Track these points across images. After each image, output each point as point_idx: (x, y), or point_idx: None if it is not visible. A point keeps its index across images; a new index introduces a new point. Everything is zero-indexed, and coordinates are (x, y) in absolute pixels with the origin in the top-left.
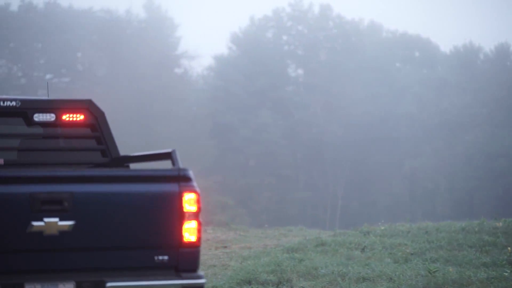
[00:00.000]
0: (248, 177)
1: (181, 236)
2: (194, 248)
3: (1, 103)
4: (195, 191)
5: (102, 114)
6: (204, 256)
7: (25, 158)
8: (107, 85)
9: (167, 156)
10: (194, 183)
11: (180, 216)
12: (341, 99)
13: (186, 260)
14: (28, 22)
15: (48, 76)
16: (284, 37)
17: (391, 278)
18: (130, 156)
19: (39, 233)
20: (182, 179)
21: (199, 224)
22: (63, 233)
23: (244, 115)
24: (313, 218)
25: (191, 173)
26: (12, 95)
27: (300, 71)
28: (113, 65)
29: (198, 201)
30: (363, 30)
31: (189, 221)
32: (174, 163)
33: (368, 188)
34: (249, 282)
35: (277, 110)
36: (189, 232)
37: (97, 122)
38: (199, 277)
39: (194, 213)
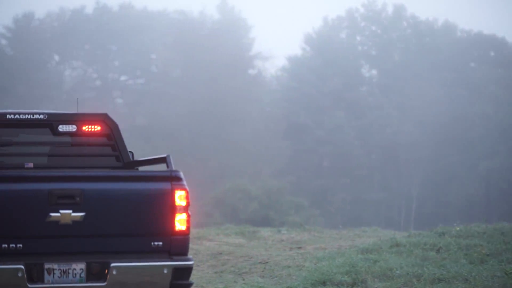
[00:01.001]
0: (322, 178)
1: (173, 225)
2: (184, 235)
3: (31, 116)
4: (185, 189)
5: (116, 125)
6: (279, 257)
7: (53, 162)
8: (181, 86)
9: (164, 160)
10: (184, 182)
11: (172, 209)
12: (415, 100)
13: (177, 246)
14: (103, 24)
15: (122, 78)
16: (358, 38)
17: (466, 279)
18: (139, 160)
19: (56, 222)
20: (174, 179)
21: (188, 216)
22: (75, 223)
23: (317, 116)
24: (387, 219)
25: (181, 174)
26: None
27: (374, 72)
28: (187, 67)
29: (187, 197)
30: (437, 30)
31: (180, 213)
32: (168, 165)
33: (443, 189)
34: (324, 283)
35: (350, 111)
36: (180, 222)
37: (112, 133)
38: (188, 260)
39: (184, 206)
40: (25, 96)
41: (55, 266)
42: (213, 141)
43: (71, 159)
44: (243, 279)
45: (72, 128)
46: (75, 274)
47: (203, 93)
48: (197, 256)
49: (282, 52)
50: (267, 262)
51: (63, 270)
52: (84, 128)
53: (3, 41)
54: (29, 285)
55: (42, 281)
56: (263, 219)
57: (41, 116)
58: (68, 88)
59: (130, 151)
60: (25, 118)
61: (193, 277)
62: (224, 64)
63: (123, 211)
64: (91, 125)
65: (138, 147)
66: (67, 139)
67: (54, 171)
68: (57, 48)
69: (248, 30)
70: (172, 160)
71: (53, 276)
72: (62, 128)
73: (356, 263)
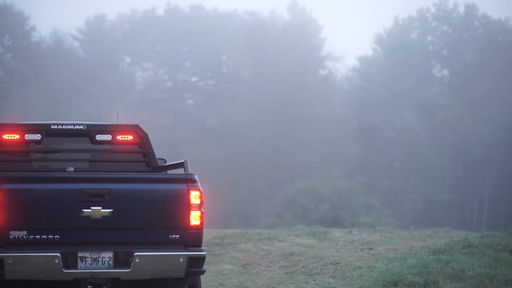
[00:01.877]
0: (393, 179)
1: (188, 221)
2: (198, 230)
3: (72, 127)
4: (199, 190)
5: (146, 135)
6: (350, 257)
7: (92, 167)
8: (252, 87)
9: (181, 165)
10: (198, 184)
11: (188, 207)
12: (486, 100)
13: (192, 238)
14: (173, 25)
15: (193, 79)
16: (429, 38)
17: None
18: (164, 165)
19: (88, 217)
20: (189, 181)
21: (202, 213)
22: (104, 217)
23: (388, 116)
24: (459, 219)
25: (196, 177)
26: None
27: (445, 72)
28: (257, 68)
29: (201, 197)
30: (509, 29)
31: (194, 211)
32: (185, 169)
33: None
34: (395, 284)
35: (421, 111)
36: (195, 218)
37: (143, 141)
38: (201, 250)
39: (198, 205)
40: (98, 98)
41: (87, 254)
42: (284, 142)
43: (107, 165)
44: (314, 280)
45: (107, 137)
46: (104, 261)
47: (273, 94)
48: (268, 257)
49: (353, 52)
50: (338, 263)
51: (94, 258)
52: (118, 137)
53: (76, 43)
54: (65, 271)
55: (76, 267)
56: (334, 220)
57: (81, 127)
58: (140, 90)
59: (162, 158)
60: (67, 128)
61: (264, 278)
62: (294, 65)
63: (145, 208)
64: (124, 134)
65: (209, 148)
66: (103, 147)
67: (87, 173)
68: (128, 50)
69: (318, 31)
70: (188, 165)
71: (85, 263)
72: (99, 137)
73: (427, 264)
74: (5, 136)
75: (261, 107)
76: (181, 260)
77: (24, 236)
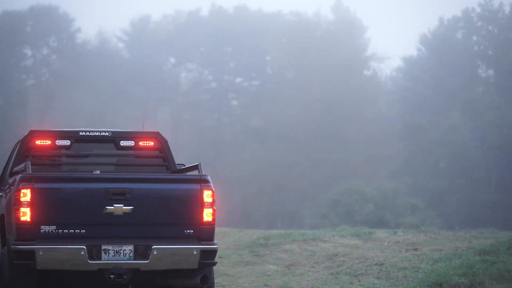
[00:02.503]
0: (438, 179)
1: (202, 217)
2: (210, 225)
3: (99, 133)
4: (211, 189)
5: (166, 141)
6: (395, 258)
7: (118, 170)
8: (296, 88)
9: (196, 167)
10: (211, 184)
11: (201, 205)
12: None
13: (205, 233)
14: (218, 26)
15: (238, 80)
16: (474, 38)
17: None
18: (182, 168)
19: (110, 213)
20: (202, 181)
21: (214, 210)
22: (125, 214)
23: (433, 117)
24: (505, 220)
25: (209, 178)
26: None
27: (490, 72)
28: (302, 68)
29: (213, 196)
30: None
31: (207, 208)
32: (199, 171)
33: None
34: (440, 285)
35: (466, 111)
36: (207, 215)
37: (163, 147)
38: (213, 244)
39: (210, 203)
40: (143, 99)
41: (110, 247)
42: (328, 142)
43: (130, 168)
44: (359, 281)
45: (131, 143)
46: (125, 253)
47: (318, 94)
48: (312, 258)
49: (397, 52)
50: (382, 264)
51: (116, 250)
52: (140, 143)
53: (120, 45)
54: (90, 262)
55: (100, 259)
56: (379, 221)
57: (106, 134)
58: (184, 90)
59: (182, 164)
60: (93, 135)
61: (309, 279)
62: (339, 65)
63: (162, 205)
64: (146, 141)
65: (253, 149)
66: (127, 152)
67: (110, 174)
68: (173, 51)
69: (363, 31)
70: (202, 167)
71: (108, 255)
72: (123, 143)
73: (473, 265)
74: (37, 142)
75: (305, 107)
76: (194, 252)
77: (53, 230)
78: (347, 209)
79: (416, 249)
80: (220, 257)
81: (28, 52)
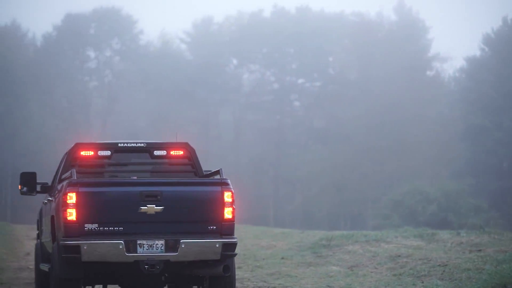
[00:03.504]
0: (502, 180)
1: (223, 215)
2: (230, 222)
3: (135, 144)
4: (231, 191)
5: (193, 150)
6: (458, 259)
7: (152, 176)
8: (358, 88)
9: (218, 172)
10: (230, 186)
11: (222, 204)
12: None
13: (226, 229)
14: (280, 27)
15: (300, 81)
16: None
17: None
18: (208, 173)
19: (144, 213)
20: (223, 184)
21: (233, 209)
22: (157, 213)
23: (496, 117)
24: None
25: (228, 181)
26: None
27: None
28: (364, 69)
29: (232, 197)
30: None
31: (227, 207)
32: (220, 175)
33: None
34: (504, 286)
35: None
36: (228, 213)
37: (191, 155)
38: (233, 238)
39: (230, 202)
40: (205, 100)
41: (144, 242)
42: (391, 143)
43: (163, 175)
44: (422, 282)
45: (163, 152)
46: (157, 247)
47: (380, 95)
48: (375, 259)
49: (460, 53)
50: (446, 265)
51: (149, 244)
52: (171, 152)
53: (183, 46)
54: (127, 254)
55: (136, 252)
56: (442, 222)
57: (142, 144)
58: (247, 92)
59: (208, 170)
60: (131, 146)
61: (371, 280)
62: (401, 66)
63: (189, 205)
64: (176, 150)
65: (315, 150)
66: (160, 160)
67: (143, 179)
68: (235, 52)
69: (426, 31)
70: (223, 172)
71: (143, 248)
72: (156, 153)
73: None
74: (82, 153)
75: (367, 108)
76: (217, 245)
77: (96, 228)
78: (409, 210)
79: (479, 250)
80: (282, 258)
81: (92, 54)
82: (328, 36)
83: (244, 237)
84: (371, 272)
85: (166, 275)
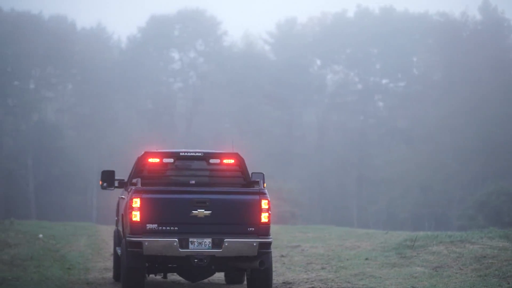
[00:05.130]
0: None
1: (260, 219)
2: (266, 225)
3: (194, 154)
4: (267, 199)
5: (243, 159)
6: None
7: (209, 181)
8: (443, 88)
9: (257, 182)
10: (267, 195)
11: (260, 210)
12: None
13: (262, 230)
14: (364, 27)
15: (384, 81)
16: None
17: None
18: (254, 181)
19: (195, 216)
20: (261, 193)
21: (269, 214)
22: (206, 216)
23: None
24: None
25: (265, 191)
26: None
27: None
28: (448, 69)
29: (268, 204)
30: None
31: (264, 213)
32: (259, 185)
33: None
34: None
35: None
36: (264, 217)
37: (240, 164)
38: (268, 238)
39: (266, 209)
40: (289, 100)
41: (195, 240)
42: (475, 142)
43: (217, 179)
44: (508, 283)
45: (217, 161)
46: (205, 244)
47: (464, 95)
48: (460, 260)
49: None
50: None
51: (199, 242)
52: (224, 161)
53: (266, 47)
54: (180, 250)
55: (187, 248)
56: None
57: (200, 154)
58: (330, 92)
59: (261, 173)
60: (190, 155)
61: (456, 281)
62: (486, 66)
63: (232, 210)
64: (228, 159)
65: (399, 151)
66: (215, 167)
67: (195, 188)
68: (319, 53)
69: (511, 31)
70: (262, 182)
71: (194, 245)
72: (212, 161)
73: None
74: (150, 160)
75: (451, 108)
76: (254, 244)
77: (155, 227)
78: (495, 211)
79: None
80: (366, 259)
81: (176, 55)
82: (412, 36)
83: (328, 238)
84: (456, 273)
85: (213, 267)
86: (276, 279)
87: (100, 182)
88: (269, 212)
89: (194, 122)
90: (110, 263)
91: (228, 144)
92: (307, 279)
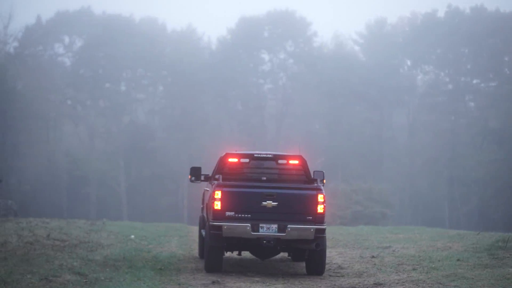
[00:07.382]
0: None
1: (316, 210)
2: (322, 215)
3: (266, 155)
4: (323, 194)
5: (305, 160)
6: None
7: (278, 178)
8: None
9: (316, 180)
10: (323, 191)
11: (316, 203)
12: None
13: (318, 219)
14: (454, 27)
15: (475, 81)
16: None
17: None
18: (313, 179)
19: (265, 206)
20: (317, 189)
21: (324, 206)
22: (273, 206)
23: None
24: None
25: (322, 187)
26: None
27: None
28: None
29: (324, 197)
30: None
31: (320, 205)
32: (316, 182)
33: None
34: None
35: None
36: (320, 209)
37: (303, 164)
38: (323, 225)
39: (322, 202)
40: (379, 101)
41: (264, 225)
42: None
43: (284, 177)
44: None
45: (284, 161)
46: (272, 229)
47: None
48: None
49: None
50: None
51: (267, 227)
52: (290, 161)
53: (356, 47)
54: (252, 233)
55: (258, 232)
56: None
57: (270, 155)
58: (421, 93)
59: (321, 171)
60: (262, 156)
61: None
62: None
63: (294, 202)
64: (293, 160)
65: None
66: (282, 166)
67: (266, 183)
68: (409, 53)
69: None
70: (320, 179)
71: (263, 229)
72: (280, 161)
73: None
74: (229, 159)
75: None
76: (312, 230)
77: (233, 214)
78: None
79: None
80: (458, 260)
81: (266, 56)
82: (504, 36)
83: (419, 239)
84: None
85: (278, 247)
86: (367, 280)
87: (189, 177)
88: (324, 204)
89: (284, 123)
90: (201, 264)
91: (317, 146)
92: (398, 280)
